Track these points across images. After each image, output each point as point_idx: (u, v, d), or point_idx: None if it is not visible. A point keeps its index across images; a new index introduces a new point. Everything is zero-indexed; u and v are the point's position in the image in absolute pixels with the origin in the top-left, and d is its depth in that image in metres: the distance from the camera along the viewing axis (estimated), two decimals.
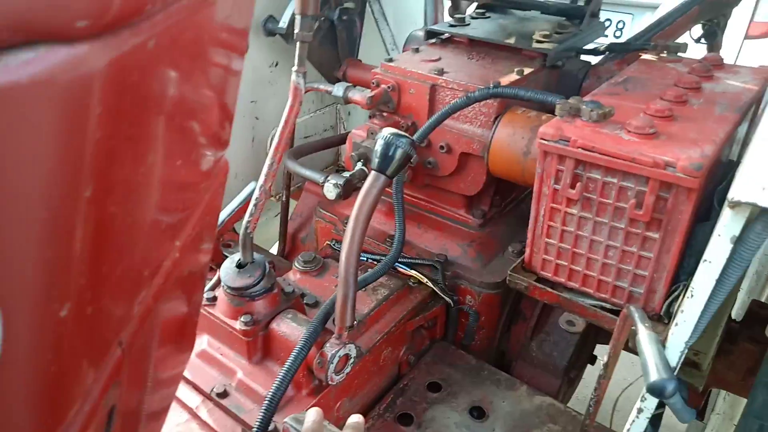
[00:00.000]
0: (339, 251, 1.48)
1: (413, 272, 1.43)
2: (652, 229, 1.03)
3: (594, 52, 1.59)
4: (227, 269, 1.13)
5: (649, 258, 1.06)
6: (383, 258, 1.39)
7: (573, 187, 1.08)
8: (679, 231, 1.00)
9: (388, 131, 1.07)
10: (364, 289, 1.33)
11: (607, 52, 1.55)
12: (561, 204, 1.12)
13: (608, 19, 3.63)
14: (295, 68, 1.07)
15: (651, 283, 1.08)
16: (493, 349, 1.52)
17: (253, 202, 1.10)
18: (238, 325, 1.13)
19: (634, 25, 3.55)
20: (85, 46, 0.25)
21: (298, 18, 1.02)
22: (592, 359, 1.64)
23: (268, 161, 1.10)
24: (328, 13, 1.70)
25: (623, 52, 1.51)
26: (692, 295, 0.77)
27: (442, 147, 1.41)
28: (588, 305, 1.16)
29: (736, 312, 1.70)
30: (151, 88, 0.41)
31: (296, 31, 1.03)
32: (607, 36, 3.69)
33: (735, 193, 0.66)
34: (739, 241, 0.70)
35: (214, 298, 1.19)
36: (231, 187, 1.83)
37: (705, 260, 0.73)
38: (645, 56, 1.45)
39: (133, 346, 0.51)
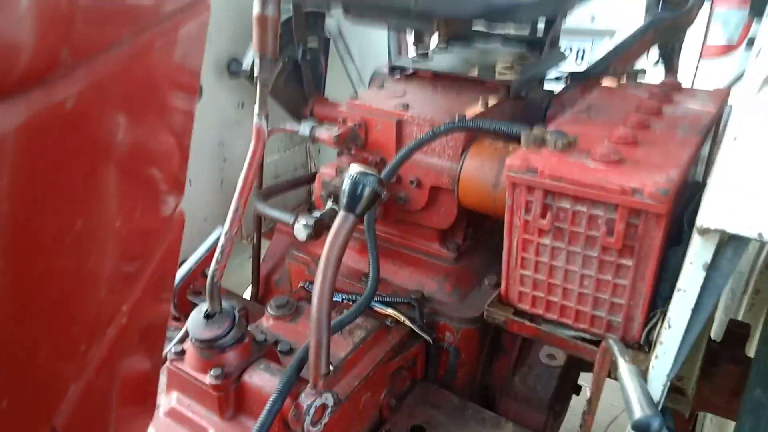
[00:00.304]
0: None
1: (390, 311, 1.39)
2: (624, 256, 1.02)
3: (556, 80, 1.60)
4: (195, 320, 1.09)
5: (625, 285, 1.05)
6: (358, 298, 1.35)
7: (543, 217, 1.07)
8: (652, 257, 1.00)
9: (354, 169, 1.05)
10: (339, 332, 1.29)
11: (569, 81, 1.57)
12: (533, 235, 1.11)
13: (569, 48, 3.72)
14: (256, 110, 1.05)
15: (628, 311, 1.07)
16: (476, 385, 1.49)
17: (219, 249, 1.06)
18: (208, 379, 1.08)
19: (594, 51, 3.65)
20: None
21: (256, 59, 1.00)
22: (577, 389, 1.61)
23: (233, 206, 1.07)
24: (291, 52, 1.70)
25: (584, 79, 1.53)
26: (669, 326, 0.75)
27: (412, 182, 1.40)
28: (568, 337, 1.14)
29: (715, 332, 1.70)
30: (78, 142, 0.38)
31: (256, 73, 1.01)
32: (567, 62, 3.78)
33: (703, 219, 0.65)
34: (711, 268, 0.68)
35: (183, 352, 1.13)
36: (201, 230, 1.79)
37: (679, 289, 0.72)
38: (606, 83, 1.48)
39: (75, 423, 0.47)
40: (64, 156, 0.36)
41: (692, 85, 3.55)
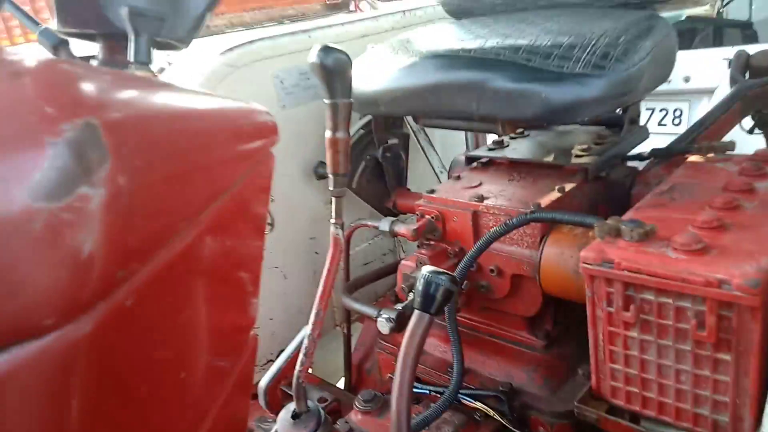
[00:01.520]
0: None
1: (478, 404, 1.37)
2: (721, 350, 0.95)
3: (638, 157, 1.57)
4: (283, 420, 1.14)
5: (726, 381, 0.97)
6: (446, 390, 1.35)
7: (627, 309, 1.03)
8: (753, 352, 0.92)
9: (427, 270, 1.09)
10: (426, 429, 1.28)
11: (652, 157, 1.52)
12: (619, 327, 1.06)
13: (664, 109, 3.60)
14: (332, 220, 1.13)
15: (735, 410, 0.98)
16: None
17: (302, 351, 1.12)
18: None
19: (693, 111, 3.49)
20: (55, 334, 0.29)
21: (330, 177, 1.09)
22: None
23: (314, 309, 1.13)
24: (372, 152, 1.81)
25: (668, 157, 1.48)
26: None
27: (492, 270, 1.40)
28: None
29: None
30: (137, 332, 0.45)
31: (330, 188, 1.10)
32: (666, 125, 3.64)
33: None
34: None
35: None
36: (297, 322, 1.88)
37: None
38: (691, 158, 1.42)
39: None
40: (127, 347, 0.42)
41: None
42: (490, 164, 1.69)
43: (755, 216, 1.07)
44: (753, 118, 1.64)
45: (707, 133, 1.53)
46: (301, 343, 1.13)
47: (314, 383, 1.73)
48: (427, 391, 1.45)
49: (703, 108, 3.52)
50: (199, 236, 0.54)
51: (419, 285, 1.08)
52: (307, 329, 1.13)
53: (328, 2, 2.67)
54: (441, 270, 1.08)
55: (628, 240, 1.04)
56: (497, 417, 1.34)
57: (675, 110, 3.57)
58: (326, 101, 1.05)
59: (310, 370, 2.27)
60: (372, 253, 2.18)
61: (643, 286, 0.99)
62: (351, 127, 1.86)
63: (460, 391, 1.35)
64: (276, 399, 1.33)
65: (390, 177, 1.89)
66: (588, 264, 1.05)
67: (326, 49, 1.01)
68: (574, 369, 1.43)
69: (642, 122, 3.81)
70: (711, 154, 1.39)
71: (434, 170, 2.15)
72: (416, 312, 1.09)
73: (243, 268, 0.70)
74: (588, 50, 1.11)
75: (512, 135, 1.80)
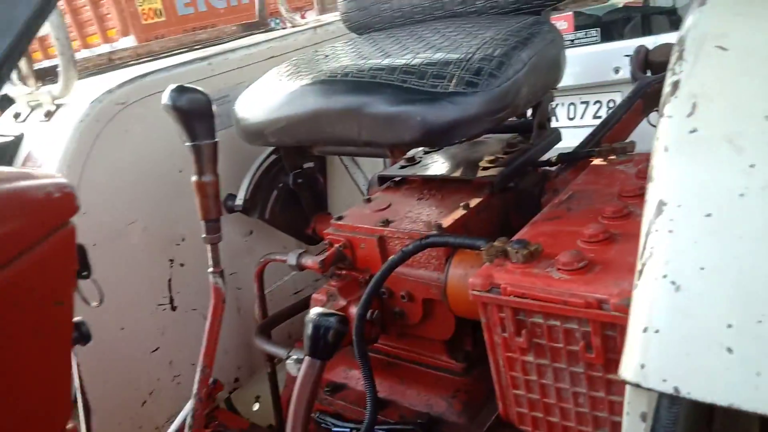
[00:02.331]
0: (324, 426, 1.40)
1: None
2: (611, 371, 0.91)
3: (546, 163, 1.54)
4: None
5: (621, 401, 0.93)
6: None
7: (519, 334, 0.99)
8: None
9: (315, 312, 1.03)
10: None
11: (560, 163, 1.49)
12: (515, 353, 1.02)
13: (598, 101, 3.62)
14: (210, 269, 1.06)
15: None
16: None
17: (189, 413, 1.05)
18: None
19: None
20: None
21: (202, 224, 1.03)
22: None
23: (199, 366, 1.06)
24: (284, 179, 1.74)
25: (575, 160, 1.45)
26: None
27: (403, 296, 1.35)
28: None
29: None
30: None
31: (203, 235, 1.03)
32: (601, 117, 3.66)
33: (622, 370, 0.57)
34: (655, 420, 0.59)
35: None
36: (224, 364, 1.80)
37: None
38: (595, 161, 1.40)
39: None
40: None
41: None
42: (403, 182, 1.64)
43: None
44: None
45: (613, 133, 1.51)
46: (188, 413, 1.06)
47: (242, 427, 1.65)
48: (348, 430, 1.39)
49: None
50: None
51: (307, 330, 1.02)
52: (193, 390, 1.06)
53: (244, 22, 2.59)
54: (329, 311, 1.03)
55: (514, 262, 1.00)
56: None
57: (608, 101, 3.59)
58: (187, 144, 0.98)
59: (256, 407, 2.20)
60: (302, 280, 2.11)
61: (531, 310, 0.95)
62: (261, 154, 1.82)
63: (377, 427, 1.30)
64: None
65: (307, 203, 1.82)
66: (476, 291, 1.00)
67: (179, 90, 0.95)
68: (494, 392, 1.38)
69: (577, 117, 3.83)
70: (613, 156, 1.37)
71: (360, 190, 2.10)
72: (306, 359, 1.03)
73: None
74: (462, 66, 1.07)
75: (425, 150, 1.76)
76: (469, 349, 1.41)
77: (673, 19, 3.75)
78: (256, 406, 2.14)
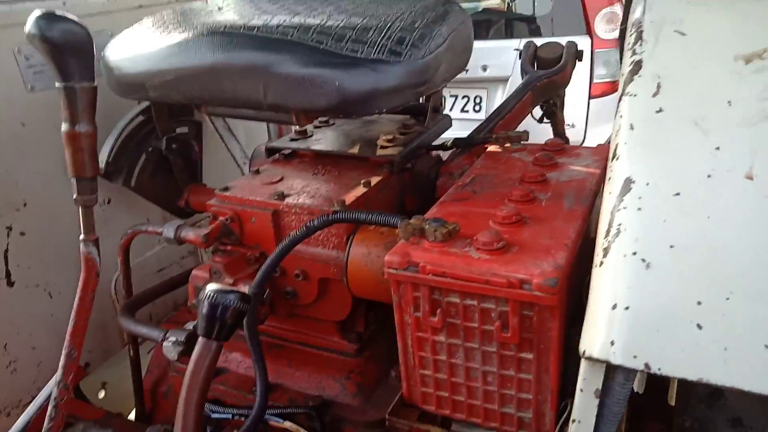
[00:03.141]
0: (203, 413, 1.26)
1: (287, 424, 1.23)
2: (524, 350, 0.93)
3: (441, 147, 1.55)
4: None
5: (529, 379, 0.96)
6: (250, 412, 1.19)
7: (433, 314, 0.97)
8: (552, 348, 0.91)
9: (211, 288, 0.91)
10: None
11: (455, 147, 1.51)
12: (427, 332, 1.00)
13: (466, 96, 3.80)
14: (82, 236, 0.89)
15: (537, 406, 0.98)
16: None
17: (52, 403, 0.87)
18: None
19: (490, 98, 3.74)
20: None
21: (73, 182, 0.85)
22: None
23: (65, 350, 0.89)
24: (154, 143, 1.55)
25: (469, 147, 1.48)
26: None
27: (297, 275, 1.27)
28: None
29: (638, 384, 1.65)
30: None
31: (74, 196, 0.86)
32: (468, 111, 3.84)
33: (585, 346, 0.56)
34: (604, 395, 0.59)
35: None
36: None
37: (573, 420, 0.62)
38: (490, 148, 1.43)
39: None
40: None
41: (586, 125, 3.70)
42: (293, 156, 1.54)
43: (549, 208, 1.07)
44: (541, 108, 1.73)
45: (504, 122, 1.56)
46: (47, 398, 0.88)
47: (96, 417, 1.44)
48: (230, 416, 1.28)
49: (499, 95, 3.79)
50: None
51: (203, 308, 0.90)
52: (57, 376, 0.88)
53: None
54: (227, 288, 0.91)
55: (432, 240, 0.98)
56: None
57: (475, 97, 3.79)
58: (58, 85, 0.80)
59: (102, 395, 1.95)
60: (167, 257, 1.90)
61: (449, 289, 0.94)
62: (128, 113, 1.60)
63: (267, 412, 1.21)
64: None
65: (180, 172, 1.64)
66: (393, 269, 0.96)
67: (49, 18, 0.76)
68: (388, 371, 1.36)
69: (446, 109, 3.99)
70: (508, 144, 1.41)
71: (236, 162, 1.94)
72: (201, 340, 0.91)
73: None
74: (384, 34, 1.02)
75: (316, 124, 1.67)
76: (361, 330, 1.37)
77: (532, 27, 4.04)
78: (102, 394, 1.90)
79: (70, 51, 0.75)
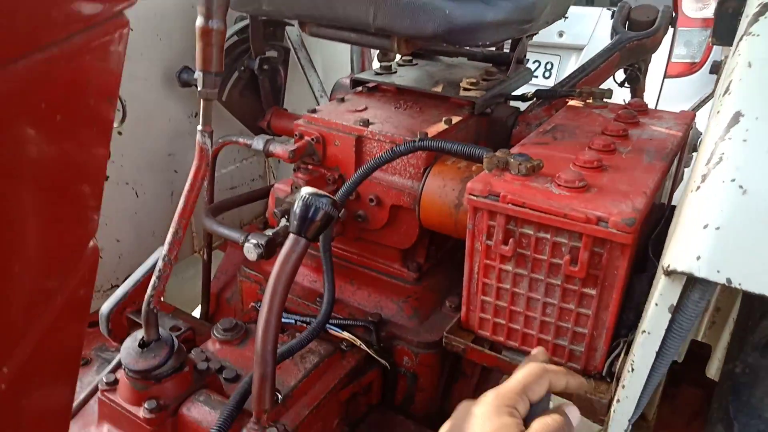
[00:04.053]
0: None
1: (345, 334, 1.33)
2: (588, 285, 0.98)
3: (522, 98, 1.57)
4: (128, 349, 1.00)
5: (588, 315, 1.01)
6: (313, 320, 1.29)
7: (506, 243, 1.02)
8: (617, 287, 0.96)
9: (306, 191, 0.99)
10: (291, 357, 1.22)
11: (535, 99, 1.53)
12: (495, 260, 1.06)
13: (537, 61, 3.74)
14: (200, 127, 0.97)
15: (591, 341, 1.03)
16: (435, 410, 1.43)
17: (156, 273, 0.98)
18: (141, 412, 0.99)
19: (561, 66, 3.67)
20: None
21: (199, 74, 0.93)
22: None
23: (172, 229, 0.99)
24: (247, 62, 1.62)
25: (550, 99, 1.50)
26: (633, 369, 0.71)
27: (371, 200, 1.34)
28: None
29: (679, 353, 1.69)
30: None
31: (198, 88, 0.94)
32: (537, 77, 3.80)
33: (670, 260, 0.61)
34: (677, 311, 0.64)
35: (116, 381, 1.04)
36: (149, 246, 1.69)
37: (644, 331, 0.68)
38: (572, 102, 1.45)
39: None
40: None
41: (657, 104, 3.62)
42: (376, 90, 1.59)
43: (629, 159, 1.10)
44: (625, 72, 1.72)
45: (588, 79, 1.57)
46: (154, 265, 0.98)
47: (167, 311, 1.57)
48: (293, 321, 1.38)
49: (572, 63, 3.72)
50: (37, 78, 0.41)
51: (297, 207, 0.97)
52: (162, 250, 0.98)
53: None
54: (322, 192, 0.99)
55: (515, 174, 1.03)
56: (363, 347, 1.31)
57: (547, 63, 3.73)
58: None
59: (163, 297, 2.10)
60: (240, 177, 2.01)
61: (525, 220, 0.99)
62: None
63: (330, 321, 1.30)
64: (121, 327, 1.17)
65: (266, 93, 1.72)
66: (474, 195, 1.02)
67: None
68: (442, 301, 1.44)
69: None
70: (590, 100, 1.43)
71: (314, 93, 2.01)
72: (291, 236, 0.99)
73: (83, 178, 0.56)
74: None
75: (400, 62, 1.72)
76: (421, 261, 1.44)
77: None
78: (162, 298, 2.05)
79: None
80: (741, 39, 0.64)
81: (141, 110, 1.62)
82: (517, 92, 1.63)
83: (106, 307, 1.13)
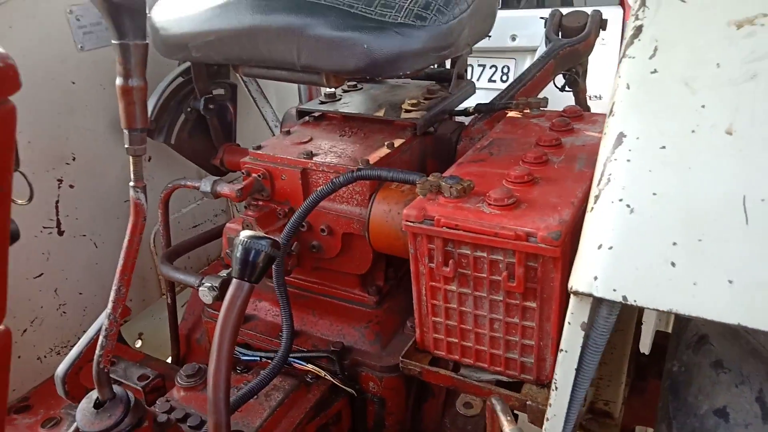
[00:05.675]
0: (234, 355, 1.38)
1: (309, 366, 1.34)
2: (528, 299, 1.00)
3: (464, 113, 1.60)
4: (83, 411, 1.00)
5: (533, 327, 1.03)
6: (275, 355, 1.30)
7: (446, 264, 1.04)
8: (554, 298, 0.98)
9: (245, 235, 1.00)
10: (255, 396, 1.22)
11: (476, 113, 1.56)
12: (439, 282, 1.08)
13: (494, 66, 3.80)
14: (132, 183, 0.99)
15: (539, 352, 1.05)
16: (407, 431, 1.44)
17: (102, 333, 0.99)
18: None
19: (518, 69, 3.73)
20: None
21: (125, 132, 0.94)
22: None
23: (114, 286, 0.99)
24: (193, 104, 1.64)
25: (490, 112, 1.53)
26: (556, 388, 0.73)
27: (323, 230, 1.35)
28: (483, 383, 1.11)
29: (644, 345, 1.72)
30: None
31: (126, 145, 0.95)
32: (495, 81, 3.85)
33: (572, 282, 0.63)
34: (590, 328, 0.66)
35: None
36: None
37: (561, 350, 0.70)
38: (510, 114, 1.48)
39: None
40: None
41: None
42: (322, 118, 1.62)
43: (561, 169, 1.13)
44: (564, 77, 1.76)
45: (526, 89, 1.60)
46: (99, 328, 0.99)
47: (135, 360, 1.57)
48: (258, 358, 1.39)
49: (527, 65, 3.77)
50: None
51: (237, 252, 0.99)
52: (107, 310, 0.99)
53: None
54: (260, 234, 1.00)
55: (447, 196, 1.05)
56: (328, 377, 1.32)
57: (503, 67, 3.78)
58: (114, 42, 0.89)
59: (140, 342, 2.10)
60: (201, 214, 2.02)
61: (461, 241, 1.01)
62: (169, 75, 1.69)
63: (291, 355, 1.31)
64: (79, 387, 1.17)
65: (215, 131, 1.73)
66: (410, 222, 1.04)
67: None
68: (404, 322, 1.46)
69: (474, 78, 3.99)
70: (527, 110, 1.46)
71: (268, 124, 2.03)
72: (234, 281, 1.00)
73: None
74: None
75: (345, 88, 1.74)
76: (380, 283, 1.46)
77: None
78: (139, 344, 2.04)
79: (126, 10, 0.83)
80: (621, 61, 0.67)
81: (91, 160, 1.63)
82: (463, 105, 1.67)
83: (61, 369, 1.13)
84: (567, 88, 1.79)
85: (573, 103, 1.90)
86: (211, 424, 0.95)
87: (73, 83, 1.56)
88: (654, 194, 0.60)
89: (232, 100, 1.80)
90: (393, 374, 1.33)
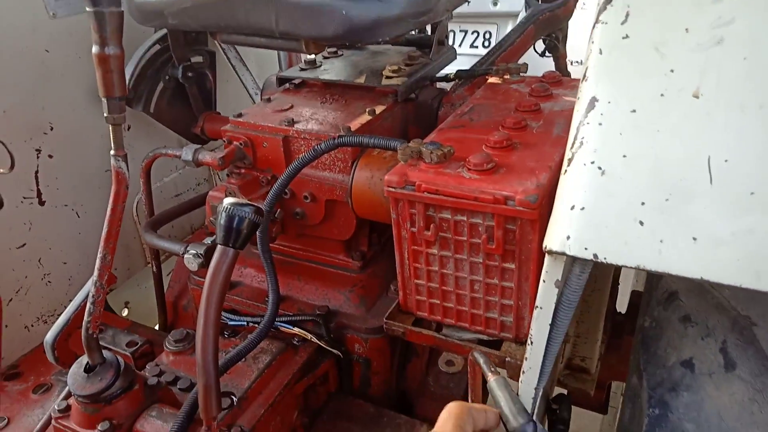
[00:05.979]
0: (221, 320, 1.40)
1: (296, 330, 1.37)
2: (507, 260, 1.04)
3: (444, 79, 1.61)
4: (75, 375, 1.03)
5: (511, 287, 1.07)
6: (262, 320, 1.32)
7: (427, 228, 1.07)
8: (532, 259, 1.02)
9: (228, 202, 1.01)
10: (243, 359, 1.26)
11: (457, 79, 1.57)
12: (421, 245, 1.11)
13: (476, 31, 3.77)
14: (112, 152, 0.99)
15: (518, 311, 1.09)
16: (392, 390, 1.49)
17: (90, 300, 1.00)
18: None
19: (500, 34, 3.71)
20: None
21: (103, 101, 0.94)
22: None
23: (99, 253, 1.00)
24: (171, 72, 1.62)
25: (471, 78, 1.54)
26: (532, 342, 0.76)
27: (306, 197, 1.37)
28: (464, 342, 1.15)
29: (621, 304, 1.79)
30: None
31: (105, 114, 0.95)
32: (477, 47, 3.83)
33: (547, 241, 0.66)
34: (563, 285, 0.70)
35: (68, 408, 1.07)
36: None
37: (537, 306, 0.73)
38: (491, 80, 1.49)
39: None
40: None
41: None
42: (303, 85, 1.61)
43: (539, 134, 1.15)
44: (544, 42, 1.77)
45: (506, 55, 1.61)
46: (86, 295, 1.01)
47: (122, 327, 1.59)
48: (245, 323, 1.42)
49: (509, 30, 3.75)
50: None
51: (221, 219, 1.00)
52: (93, 277, 1.01)
53: None
54: (244, 201, 1.01)
55: (428, 162, 1.07)
56: (315, 340, 1.35)
57: (485, 32, 3.76)
58: (88, 9, 0.88)
59: (127, 311, 2.11)
60: (183, 183, 2.02)
61: (441, 206, 1.03)
62: (146, 42, 1.66)
63: (277, 319, 1.34)
64: (68, 353, 1.19)
65: (195, 100, 1.72)
66: (392, 187, 1.06)
67: None
68: (388, 286, 1.49)
69: (456, 44, 3.96)
70: (507, 76, 1.47)
71: (248, 91, 2.01)
72: (219, 247, 1.02)
73: None
74: None
75: (325, 55, 1.73)
76: (364, 249, 1.49)
77: None
78: (125, 312, 2.06)
79: None
80: (594, 27, 0.69)
81: (70, 130, 1.61)
82: (444, 71, 1.67)
83: (50, 336, 1.15)
84: (547, 54, 1.80)
85: (553, 68, 1.91)
86: (201, 386, 0.98)
87: (47, 51, 1.53)
88: (624, 156, 0.62)
89: (211, 68, 1.78)
90: (378, 335, 1.37)
